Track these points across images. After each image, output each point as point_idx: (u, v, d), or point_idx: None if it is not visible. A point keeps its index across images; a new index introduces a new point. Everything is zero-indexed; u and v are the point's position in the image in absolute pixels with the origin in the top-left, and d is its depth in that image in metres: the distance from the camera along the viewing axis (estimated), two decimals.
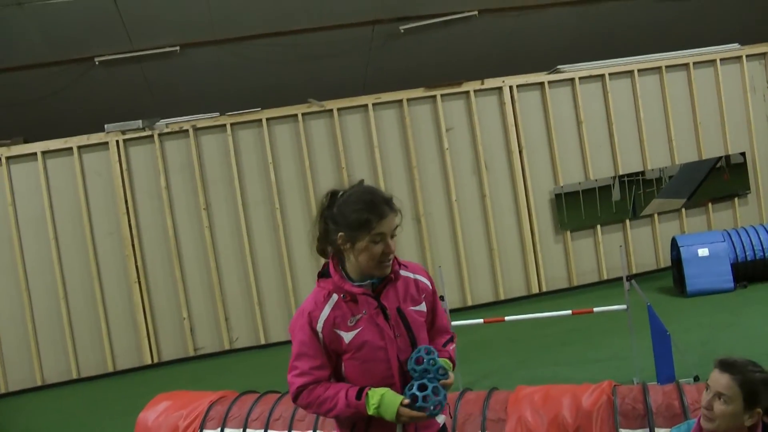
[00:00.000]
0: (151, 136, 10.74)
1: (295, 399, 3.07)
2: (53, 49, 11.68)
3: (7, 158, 10.58)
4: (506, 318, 7.39)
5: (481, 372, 7.85)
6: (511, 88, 11.41)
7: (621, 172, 11.63)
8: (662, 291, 10.56)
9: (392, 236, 2.97)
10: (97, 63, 11.89)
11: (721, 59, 12.00)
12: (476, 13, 12.70)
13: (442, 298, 7.17)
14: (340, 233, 2.97)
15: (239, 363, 10.33)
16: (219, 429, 5.62)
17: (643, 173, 11.71)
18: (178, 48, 11.89)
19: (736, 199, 12.07)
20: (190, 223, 10.83)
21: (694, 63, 11.88)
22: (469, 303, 11.26)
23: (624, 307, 6.63)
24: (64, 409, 9.42)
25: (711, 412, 3.08)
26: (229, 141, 10.84)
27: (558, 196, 11.42)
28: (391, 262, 3.00)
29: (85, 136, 10.70)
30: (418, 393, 2.89)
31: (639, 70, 11.73)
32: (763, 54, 12.19)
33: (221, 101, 11.84)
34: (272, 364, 9.93)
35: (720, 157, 11.92)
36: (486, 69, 12.04)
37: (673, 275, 10.59)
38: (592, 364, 7.51)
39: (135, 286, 10.71)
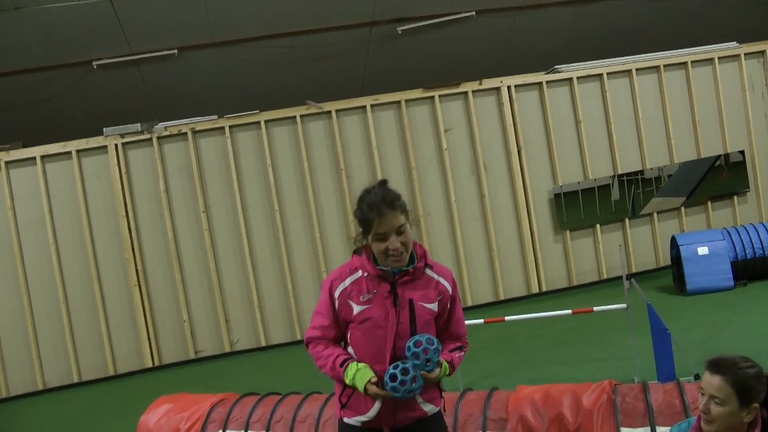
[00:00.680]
0: (150, 139, 10.74)
1: (306, 346, 3.50)
2: (51, 53, 11.67)
3: (7, 163, 10.59)
4: (506, 318, 7.39)
5: (482, 372, 7.85)
6: (509, 88, 11.42)
7: (620, 172, 11.64)
8: (662, 290, 10.56)
9: (399, 233, 3.24)
10: (95, 66, 11.88)
11: (719, 58, 12.01)
12: (474, 13, 12.71)
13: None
14: (359, 230, 3.34)
15: (240, 365, 10.33)
16: (220, 431, 5.62)
17: (642, 172, 11.72)
18: (176, 51, 11.89)
19: (735, 197, 12.07)
20: (190, 225, 10.84)
21: (693, 62, 11.89)
22: (469, 303, 11.26)
23: (624, 306, 6.64)
24: (65, 413, 9.42)
25: (709, 415, 3.07)
26: (228, 143, 10.85)
27: (557, 195, 11.43)
28: (400, 256, 3.26)
29: (84, 140, 10.71)
30: (397, 374, 3.14)
31: (637, 70, 11.74)
32: (762, 52, 12.20)
33: (220, 104, 11.85)
34: (273, 366, 9.94)
35: (719, 156, 11.93)
36: (484, 69, 12.06)
37: (672, 274, 10.60)
38: (592, 364, 7.52)
39: (135, 289, 10.71)
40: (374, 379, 3.21)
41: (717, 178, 11.91)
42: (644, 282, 10.51)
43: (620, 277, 6.91)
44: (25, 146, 10.83)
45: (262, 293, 10.94)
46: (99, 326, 10.65)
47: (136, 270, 10.74)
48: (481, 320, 7.39)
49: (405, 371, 3.14)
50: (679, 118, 11.88)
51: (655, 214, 11.78)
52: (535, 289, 11.45)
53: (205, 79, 12.44)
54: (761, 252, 9.89)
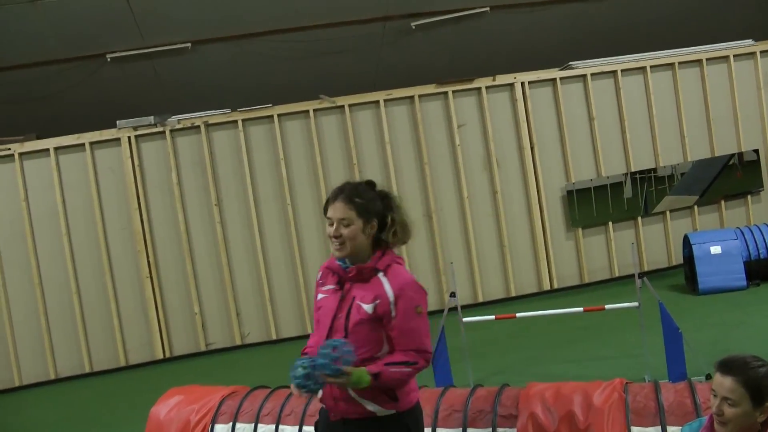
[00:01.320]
0: (163, 132, 10.78)
1: None
2: (65, 46, 11.73)
3: (20, 154, 10.63)
4: (517, 315, 7.39)
5: (492, 368, 7.85)
6: (522, 84, 11.39)
7: (633, 169, 11.60)
8: (674, 289, 10.53)
9: (344, 225, 3.39)
10: (108, 59, 11.94)
11: (734, 55, 11.93)
12: (488, 9, 12.70)
13: (453, 294, 7.17)
14: None
15: (250, 358, 10.35)
16: (230, 424, 5.65)
17: (655, 170, 11.67)
18: (189, 44, 11.94)
19: (749, 196, 12.01)
20: (202, 218, 10.86)
21: (707, 59, 11.82)
22: (480, 299, 11.25)
23: (635, 304, 6.62)
24: (77, 403, 9.50)
25: (722, 417, 3.05)
26: (241, 137, 10.86)
27: (569, 192, 11.40)
28: (339, 246, 3.42)
29: (97, 132, 10.74)
30: (297, 366, 3.26)
31: (651, 67, 11.69)
32: None
33: (232, 97, 11.86)
34: (284, 360, 9.91)
35: (733, 154, 11.87)
36: (498, 65, 12.02)
37: (684, 273, 10.56)
38: (603, 362, 7.51)
39: (147, 281, 10.75)
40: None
41: (731, 177, 11.85)
42: (656, 280, 10.47)
43: (632, 276, 6.89)
44: (38, 138, 10.88)
45: (274, 286, 10.96)
46: (111, 317, 10.70)
47: (148, 262, 10.77)
48: (492, 316, 7.39)
49: (303, 366, 3.24)
50: (693, 116, 11.82)
51: (667, 213, 11.74)
52: (546, 286, 11.43)
53: (218, 73, 12.46)
54: None
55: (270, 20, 12.00)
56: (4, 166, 10.67)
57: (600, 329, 8.79)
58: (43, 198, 10.68)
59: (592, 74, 11.52)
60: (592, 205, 11.47)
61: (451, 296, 7.17)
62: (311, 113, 10.97)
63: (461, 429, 4.74)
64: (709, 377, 5.84)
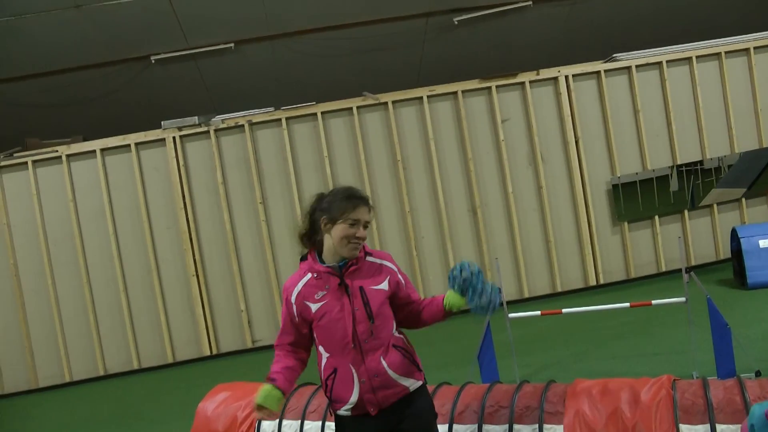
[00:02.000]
0: (208, 131, 10.88)
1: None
2: (111, 49, 11.91)
3: (68, 156, 10.82)
4: (563, 310, 7.33)
5: (538, 364, 7.81)
6: (566, 77, 11.30)
7: (679, 162, 11.44)
8: (722, 283, 10.37)
9: (364, 226, 3.67)
10: (153, 61, 12.07)
11: None
12: (530, 2, 12.62)
13: (498, 290, 7.11)
14: (323, 217, 3.69)
15: None
16: (277, 421, 5.68)
17: (701, 162, 11.51)
18: (232, 45, 12.03)
19: None
20: (247, 217, 10.95)
21: (755, 48, 11.61)
22: (526, 295, 11.20)
23: (683, 299, 6.53)
24: (126, 399, 9.62)
25: None
26: (285, 135, 10.92)
27: (615, 186, 11.29)
28: (358, 246, 3.67)
29: (142, 133, 10.88)
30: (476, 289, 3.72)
31: (697, 57, 11.51)
32: None
33: (276, 96, 11.96)
34: None
35: None
36: (541, 59, 11.96)
37: (733, 267, 10.39)
38: (650, 358, 7.42)
39: (193, 279, 10.87)
40: (269, 411, 3.67)
41: None
42: (704, 275, 10.34)
43: (679, 270, 6.80)
44: (85, 140, 11.06)
45: None
46: (158, 315, 10.85)
47: (194, 260, 10.89)
48: (538, 312, 7.34)
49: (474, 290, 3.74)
50: (740, 106, 11.62)
51: (714, 206, 11.57)
52: (592, 282, 11.33)
53: (261, 72, 12.55)
54: None
55: (312, 19, 12.06)
56: (53, 168, 10.87)
57: (647, 325, 8.69)
58: (91, 198, 10.86)
59: (636, 66, 11.38)
60: (638, 199, 11.35)
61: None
62: (355, 110, 10.99)
63: (508, 426, 4.72)
64: (759, 374, 5.75)
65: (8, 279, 10.83)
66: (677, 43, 11.65)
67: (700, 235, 11.59)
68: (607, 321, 9.06)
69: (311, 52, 12.35)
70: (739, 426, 3.50)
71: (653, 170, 11.37)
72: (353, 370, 3.64)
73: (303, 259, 3.85)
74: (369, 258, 3.77)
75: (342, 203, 3.67)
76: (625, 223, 11.35)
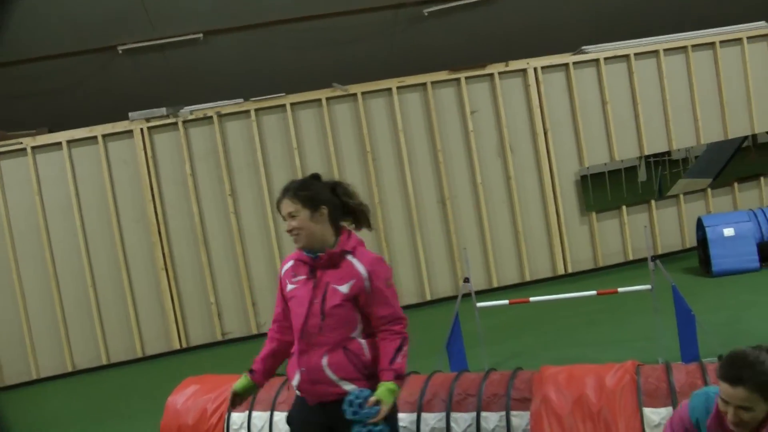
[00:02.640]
0: (176, 123, 10.81)
1: None
2: (77, 39, 11.76)
3: (33, 148, 10.68)
4: (531, 299, 7.40)
5: (507, 353, 7.87)
6: (535, 69, 11.36)
7: (647, 153, 11.56)
8: (688, 271, 10.51)
9: (292, 218, 3.70)
10: (120, 51, 11.95)
11: (747, 38, 11.86)
12: None
13: (467, 280, 7.17)
14: None
15: None
16: (246, 412, 5.68)
17: (668, 153, 11.62)
18: (201, 35, 11.93)
19: (762, 178, 11.95)
20: (216, 209, 10.90)
21: (721, 42, 11.75)
22: (495, 285, 11.26)
23: (649, 287, 6.61)
24: (95, 395, 9.59)
25: (741, 422, 2.99)
26: (254, 127, 10.88)
27: (584, 177, 11.37)
28: (296, 237, 3.73)
29: (109, 125, 10.78)
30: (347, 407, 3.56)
31: (665, 50, 11.62)
32: None
33: (245, 87, 11.86)
34: None
35: (746, 137, 11.80)
36: (510, 51, 11.97)
37: (698, 255, 10.54)
38: (617, 345, 7.51)
39: (162, 272, 10.81)
40: (240, 400, 4.03)
41: (744, 160, 11.79)
42: (670, 264, 10.47)
43: (646, 259, 6.88)
44: (51, 132, 10.94)
45: None
46: (127, 309, 10.77)
47: (163, 253, 10.83)
48: (506, 301, 7.40)
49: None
50: (706, 98, 11.75)
51: (681, 196, 11.70)
52: (561, 271, 11.42)
53: (230, 63, 12.47)
54: None
55: (282, 9, 12.01)
56: (18, 161, 10.71)
57: (614, 313, 8.78)
58: (57, 191, 10.74)
59: (605, 58, 11.47)
60: (606, 189, 11.45)
61: (465, 282, 7.18)
62: (324, 102, 10.97)
63: (475, 413, 4.76)
64: (720, 358, 5.83)
65: None
66: (645, 36, 11.73)
67: (667, 225, 11.72)
68: (575, 309, 9.13)
69: (280, 43, 12.28)
70: None
71: (621, 161, 11.47)
72: (296, 358, 3.77)
73: None
74: (348, 257, 3.74)
75: None
76: (593, 213, 11.45)
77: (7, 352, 10.71)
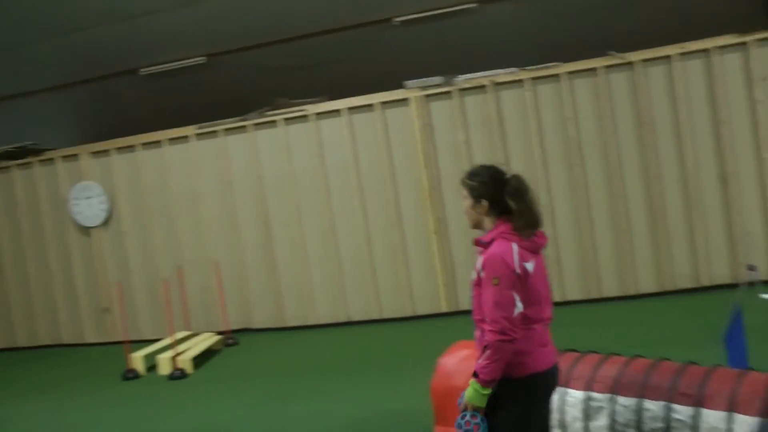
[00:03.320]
0: (450, 92, 10.99)
1: None
2: (354, 13, 12.19)
3: (316, 114, 11.37)
4: None
5: None
6: None
7: None
8: None
9: (464, 200, 4.04)
10: (395, 23, 12.24)
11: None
12: None
13: (751, 267, 6.59)
14: None
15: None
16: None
17: None
18: (476, 4, 11.96)
19: None
20: None
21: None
22: None
23: None
24: (367, 345, 10.20)
25: None
26: (527, 96, 10.83)
27: None
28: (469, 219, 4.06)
29: (386, 93, 11.20)
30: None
31: None
32: None
33: (516, 57, 11.77)
34: (569, 322, 9.89)
35: None
36: None
37: None
38: None
39: (434, 236, 11.07)
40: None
41: None
42: None
43: None
44: (330, 100, 11.52)
45: (561, 246, 10.89)
46: (398, 268, 11.18)
47: (435, 218, 11.08)
48: None
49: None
50: None
51: None
52: None
53: (503, 32, 12.42)
54: None
55: None
56: (302, 126, 11.48)
57: None
58: (336, 154, 11.44)
59: None
60: None
61: (749, 269, 6.68)
62: (600, 71, 10.69)
63: (761, 417, 4.42)
64: None
65: (258, 225, 11.72)
66: None
67: None
68: None
69: (551, 11, 11.99)
70: None
71: None
72: None
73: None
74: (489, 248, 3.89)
75: None
76: None
77: (289, 296, 11.61)
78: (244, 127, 11.73)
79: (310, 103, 11.61)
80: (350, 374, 8.80)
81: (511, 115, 10.95)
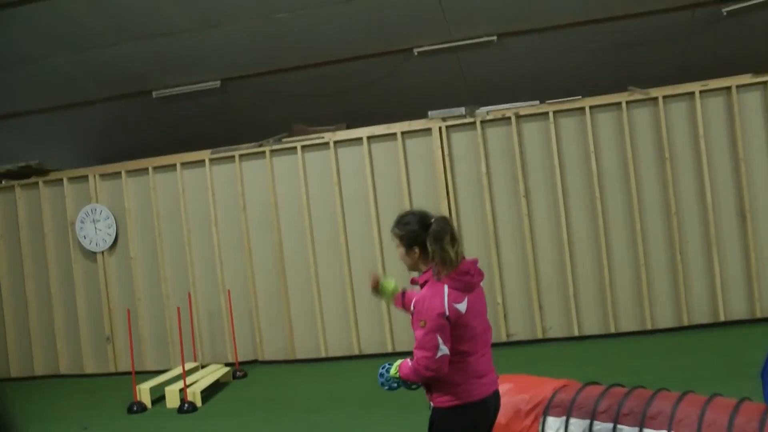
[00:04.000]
0: (473, 123, 10.95)
1: None
2: (375, 42, 12.16)
3: (335, 142, 11.29)
4: None
5: None
6: None
7: None
8: None
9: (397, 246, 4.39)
10: (416, 53, 12.21)
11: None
12: None
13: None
14: None
15: (552, 353, 10.23)
16: (564, 417, 5.66)
17: None
18: (495, 37, 11.96)
19: None
20: (509, 209, 10.92)
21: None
22: None
23: None
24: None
25: None
26: (551, 129, 10.80)
27: None
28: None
29: (407, 123, 11.14)
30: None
31: None
32: None
33: (535, 90, 11.79)
34: (585, 356, 9.81)
35: None
36: None
37: None
38: None
39: None
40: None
41: None
42: None
43: None
44: (348, 128, 11.49)
45: (578, 280, 10.79)
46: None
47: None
48: None
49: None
50: None
51: None
52: None
53: (523, 65, 12.43)
54: None
55: (574, 11, 11.79)
56: (320, 153, 11.38)
57: None
58: (355, 183, 11.31)
59: None
60: None
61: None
62: (623, 105, 10.68)
63: None
64: None
65: (271, 253, 11.55)
66: None
67: None
68: None
69: (574, 46, 12.05)
70: None
71: None
72: None
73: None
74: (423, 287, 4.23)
75: None
76: None
77: (302, 329, 11.50)
78: (260, 152, 11.60)
79: (327, 130, 11.54)
80: (369, 408, 8.57)
81: (533, 148, 10.91)
